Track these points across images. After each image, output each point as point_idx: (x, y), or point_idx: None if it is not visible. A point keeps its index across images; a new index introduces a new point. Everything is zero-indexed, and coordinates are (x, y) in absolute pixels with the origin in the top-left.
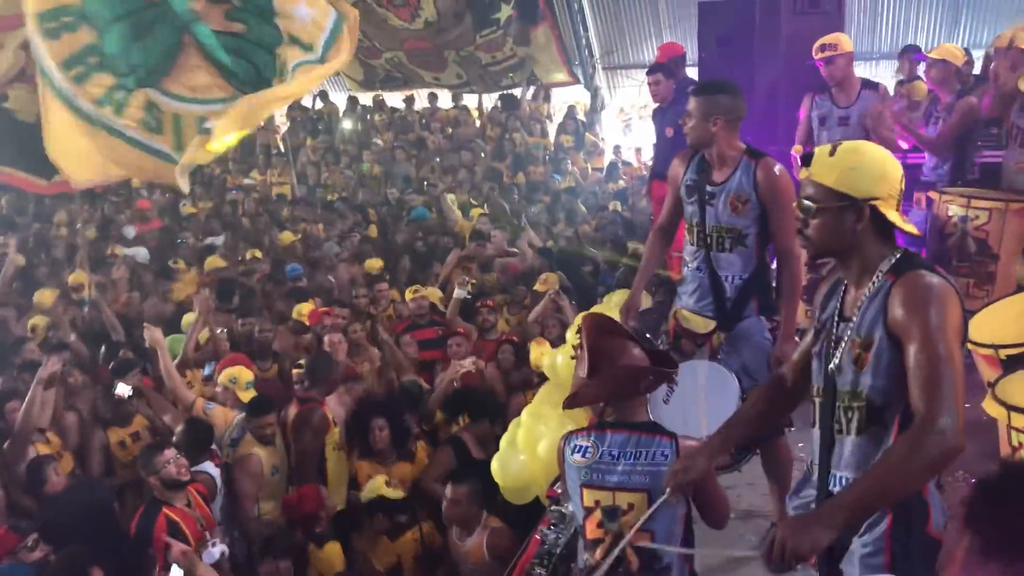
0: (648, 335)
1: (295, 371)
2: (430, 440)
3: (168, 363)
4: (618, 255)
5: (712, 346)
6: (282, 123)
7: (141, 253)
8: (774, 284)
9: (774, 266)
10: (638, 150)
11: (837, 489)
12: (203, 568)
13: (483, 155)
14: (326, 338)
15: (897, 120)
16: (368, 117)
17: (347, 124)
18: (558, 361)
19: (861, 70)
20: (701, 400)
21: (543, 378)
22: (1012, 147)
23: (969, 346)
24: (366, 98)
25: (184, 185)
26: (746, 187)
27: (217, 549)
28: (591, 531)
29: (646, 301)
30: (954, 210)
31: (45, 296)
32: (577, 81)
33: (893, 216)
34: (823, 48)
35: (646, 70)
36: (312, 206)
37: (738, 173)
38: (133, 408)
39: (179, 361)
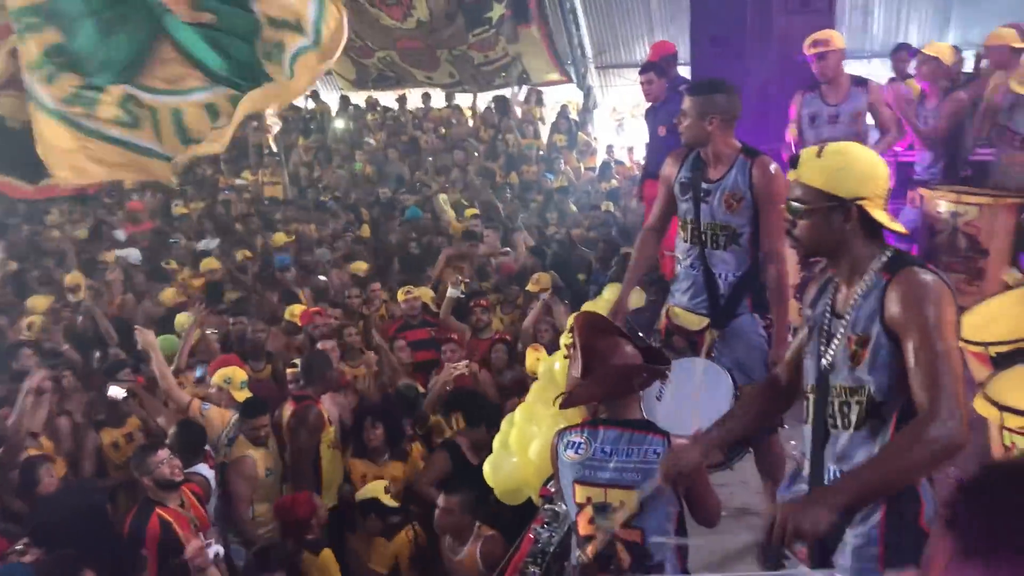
0: (640, 333)
1: (289, 371)
2: (425, 444)
3: (162, 365)
4: (611, 254)
5: (705, 343)
6: (274, 123)
7: (133, 254)
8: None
9: None
10: (630, 149)
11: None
12: (213, 569)
13: (476, 155)
14: (319, 344)
15: (896, 108)
16: (360, 117)
17: (339, 124)
18: (555, 367)
19: (852, 68)
20: (694, 397)
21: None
22: (1002, 147)
23: (960, 344)
24: (358, 98)
25: (172, 178)
26: (741, 185)
27: (211, 550)
28: (583, 528)
29: (640, 299)
30: (944, 206)
31: (38, 302)
32: (569, 80)
33: (880, 215)
34: (815, 44)
35: (638, 69)
36: (304, 207)
37: (734, 171)
38: (127, 409)
39: (173, 368)
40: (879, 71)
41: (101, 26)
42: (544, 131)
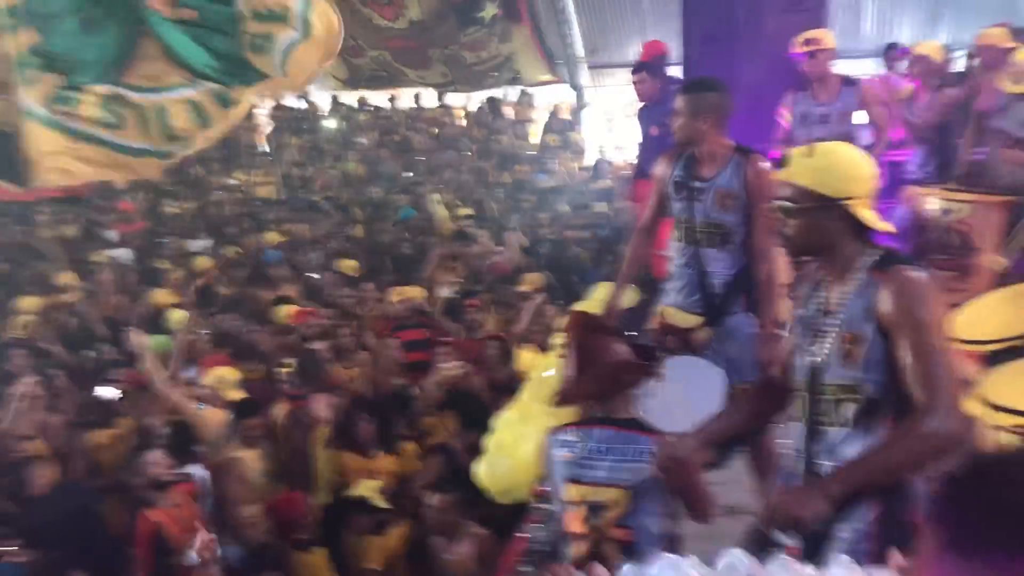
0: (634, 332)
1: (282, 370)
2: (419, 446)
3: (155, 367)
4: (604, 253)
5: (698, 343)
6: (265, 122)
7: (124, 255)
8: None
9: None
10: (621, 149)
11: None
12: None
13: (468, 154)
14: (310, 344)
15: (887, 98)
16: (352, 116)
17: (331, 123)
18: (548, 367)
19: (843, 68)
20: (687, 395)
21: None
22: (993, 147)
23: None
24: (350, 97)
25: (159, 173)
26: (735, 184)
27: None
28: (575, 526)
29: (632, 299)
30: (935, 204)
31: (29, 303)
32: (561, 80)
33: (866, 215)
34: (807, 42)
35: (631, 69)
36: (296, 207)
37: (727, 170)
38: (118, 410)
39: (168, 375)
40: (870, 71)
41: (82, 25)
42: (536, 131)
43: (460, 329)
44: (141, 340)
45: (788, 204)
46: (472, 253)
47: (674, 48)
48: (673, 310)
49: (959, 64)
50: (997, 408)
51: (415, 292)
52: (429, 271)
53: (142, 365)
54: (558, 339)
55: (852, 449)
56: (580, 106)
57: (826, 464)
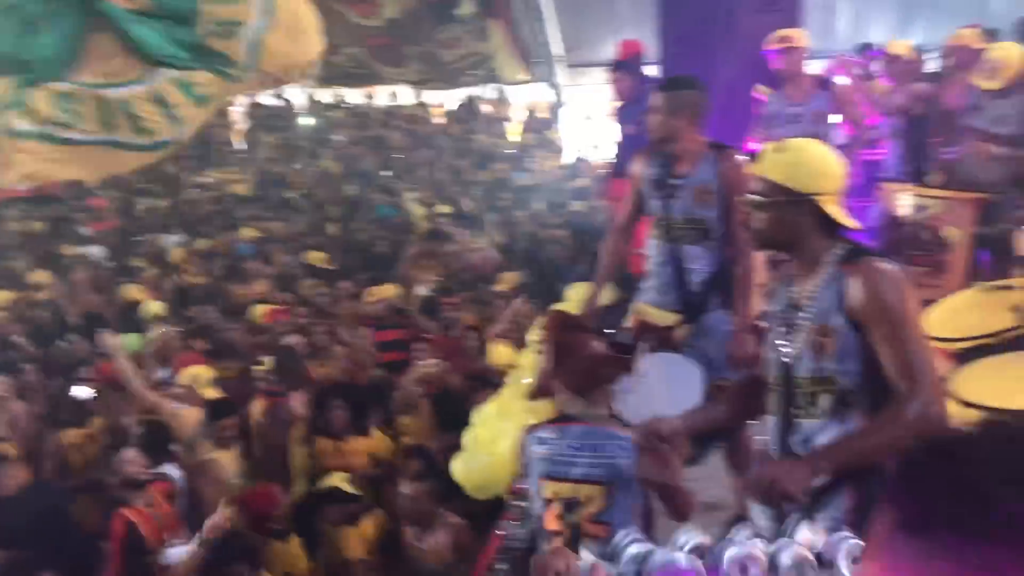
0: (611, 330)
1: (257, 368)
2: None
3: (128, 368)
4: (580, 252)
5: (676, 340)
6: (240, 119)
7: (97, 252)
8: None
9: None
10: (599, 147)
11: None
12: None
13: (445, 153)
14: (285, 337)
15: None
16: (327, 113)
17: (306, 121)
18: (525, 364)
19: (816, 69)
20: (665, 392)
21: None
22: (966, 145)
23: None
24: (325, 95)
25: (131, 167)
26: (711, 179)
27: (177, 550)
28: (550, 523)
29: (609, 297)
30: (908, 201)
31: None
32: (538, 79)
33: (834, 211)
34: (779, 40)
35: (608, 68)
36: (271, 204)
37: (703, 166)
38: (90, 409)
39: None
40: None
41: (23, 25)
42: (514, 129)
43: (437, 327)
44: (113, 342)
45: (758, 198)
46: (449, 251)
47: (651, 47)
48: (650, 308)
49: (932, 65)
50: (968, 405)
51: (390, 291)
52: (405, 269)
53: (116, 366)
54: (535, 334)
55: (827, 440)
56: (557, 105)
57: (802, 455)
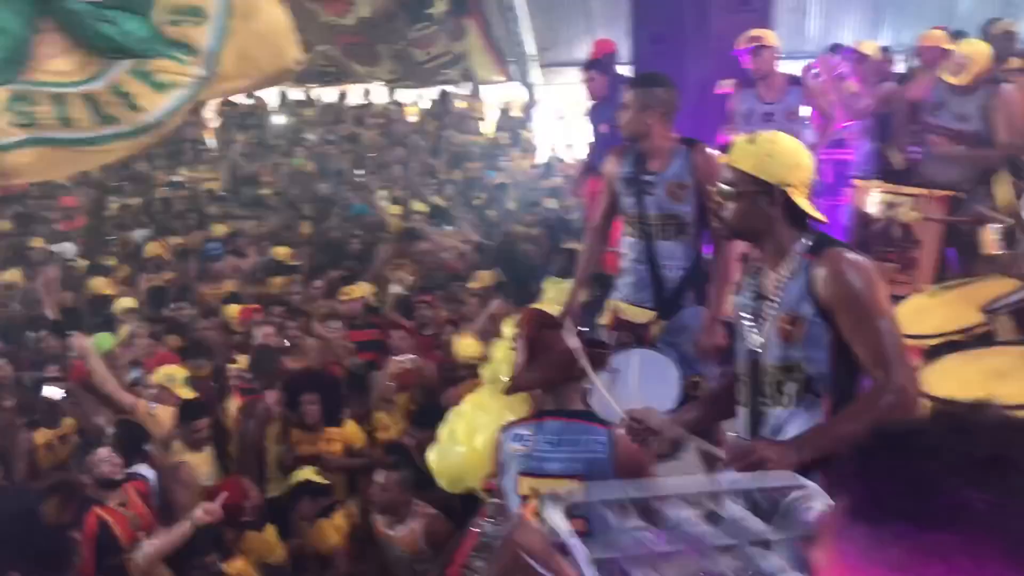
0: (586, 328)
1: (231, 367)
2: (371, 441)
3: (100, 368)
4: (554, 250)
5: (651, 337)
6: (212, 118)
7: (68, 249)
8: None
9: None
10: (572, 146)
11: None
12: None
13: (418, 151)
14: (258, 331)
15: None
16: (300, 112)
17: (279, 119)
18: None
19: (788, 68)
20: (641, 388)
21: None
22: (930, 143)
23: None
24: (298, 93)
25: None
26: (684, 173)
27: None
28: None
29: (584, 295)
30: (878, 198)
31: None
32: (512, 78)
33: (803, 203)
34: (750, 40)
35: (581, 67)
36: (243, 203)
37: (675, 161)
38: (63, 410)
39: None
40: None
41: None
42: (486, 128)
43: (411, 326)
44: (84, 344)
45: (728, 187)
46: (423, 250)
47: (624, 47)
48: (625, 305)
49: (901, 67)
50: (936, 400)
51: (363, 291)
52: (379, 268)
53: (88, 368)
54: (508, 330)
55: (795, 428)
56: (531, 104)
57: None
